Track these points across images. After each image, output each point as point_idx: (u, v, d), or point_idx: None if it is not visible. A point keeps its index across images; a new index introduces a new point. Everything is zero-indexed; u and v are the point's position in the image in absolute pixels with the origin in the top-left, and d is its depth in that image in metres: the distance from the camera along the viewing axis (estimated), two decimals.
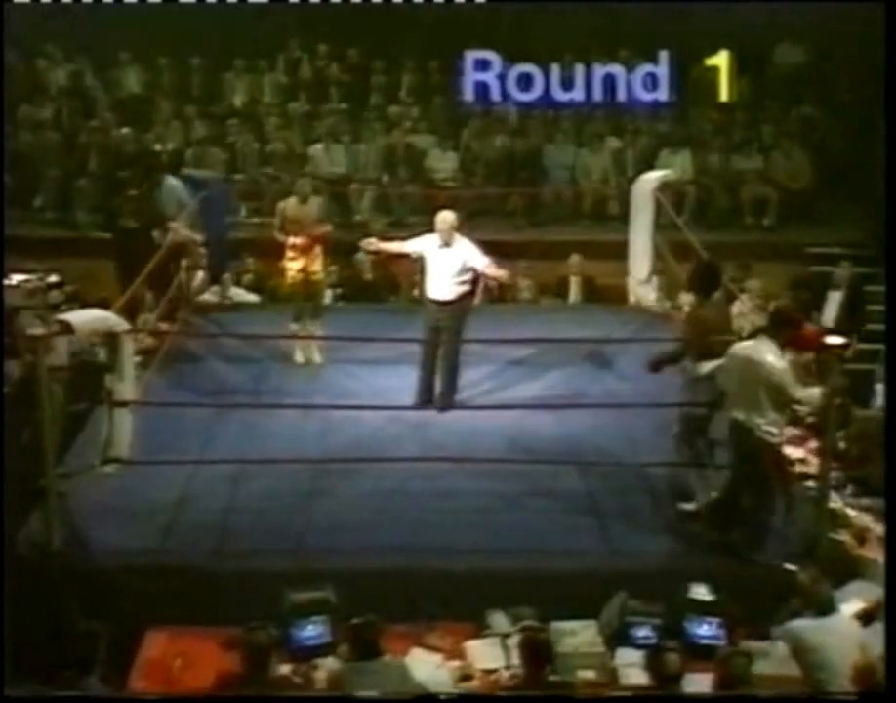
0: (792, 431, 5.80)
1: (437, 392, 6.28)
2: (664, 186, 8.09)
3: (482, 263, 6.32)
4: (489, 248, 8.95)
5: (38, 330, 5.04)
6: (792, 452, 5.65)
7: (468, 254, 6.28)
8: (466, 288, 6.33)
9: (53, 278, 7.21)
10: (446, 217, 6.30)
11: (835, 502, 5.19)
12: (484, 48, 10.37)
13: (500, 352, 6.93)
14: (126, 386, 5.30)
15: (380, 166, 10.04)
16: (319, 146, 10.02)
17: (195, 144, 10.06)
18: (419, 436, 5.94)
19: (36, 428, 4.84)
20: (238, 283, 8.84)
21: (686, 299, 8.20)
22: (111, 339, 5.29)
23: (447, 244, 6.25)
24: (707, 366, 5.22)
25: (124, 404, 5.28)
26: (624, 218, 8.62)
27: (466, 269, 6.27)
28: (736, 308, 7.83)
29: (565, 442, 5.95)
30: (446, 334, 6.27)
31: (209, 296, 8.38)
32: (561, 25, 10.38)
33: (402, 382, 6.39)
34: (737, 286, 7.68)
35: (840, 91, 10.39)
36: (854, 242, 8.97)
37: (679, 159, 9.79)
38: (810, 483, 5.39)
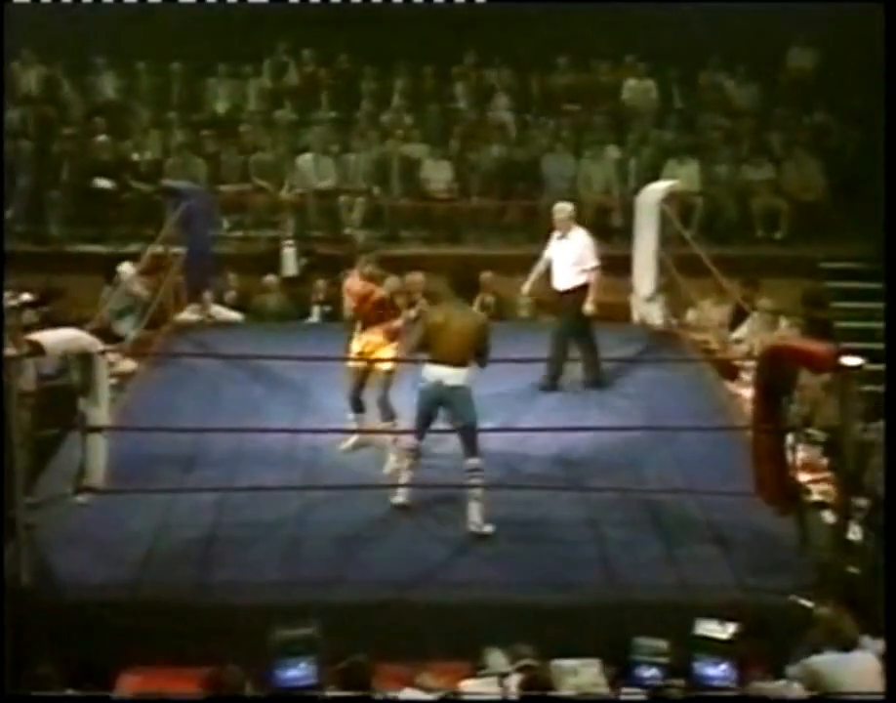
0: (807, 454, 5.82)
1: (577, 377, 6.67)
2: (670, 198, 8.09)
3: (591, 263, 6.92)
4: (485, 262, 9.14)
5: (9, 351, 5.01)
6: (806, 477, 5.65)
7: (583, 247, 6.92)
8: (583, 279, 6.91)
9: (26, 296, 7.20)
10: (565, 207, 7.07)
11: (854, 533, 5.18)
12: (480, 52, 10.54)
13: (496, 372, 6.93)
14: (100, 410, 5.28)
15: (371, 177, 10.07)
16: (307, 157, 10.03)
17: (175, 154, 10.07)
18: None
19: (4, 455, 4.81)
20: (220, 301, 8.84)
21: (693, 316, 8.28)
22: (85, 360, 5.27)
23: (564, 235, 6.94)
24: None
25: (98, 429, 5.26)
26: (627, 231, 8.64)
27: (581, 261, 6.89)
28: (747, 325, 7.88)
29: (565, 466, 5.95)
30: (568, 317, 6.89)
31: (188, 314, 8.38)
32: (563, 27, 10.47)
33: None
34: (749, 304, 7.70)
35: (855, 97, 10.44)
36: (871, 256, 8.99)
37: (686, 169, 9.82)
38: (826, 512, 5.39)
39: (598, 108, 10.63)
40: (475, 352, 5.35)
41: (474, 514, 5.31)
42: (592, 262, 6.95)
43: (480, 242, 9.85)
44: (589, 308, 6.96)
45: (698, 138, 10.37)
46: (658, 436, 6.13)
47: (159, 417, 6.38)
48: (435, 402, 5.35)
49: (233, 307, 8.90)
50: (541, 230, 9.80)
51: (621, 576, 5.08)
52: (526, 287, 7.27)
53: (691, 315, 8.36)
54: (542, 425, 6.28)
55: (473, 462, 5.32)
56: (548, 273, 7.14)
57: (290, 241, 9.51)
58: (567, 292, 6.95)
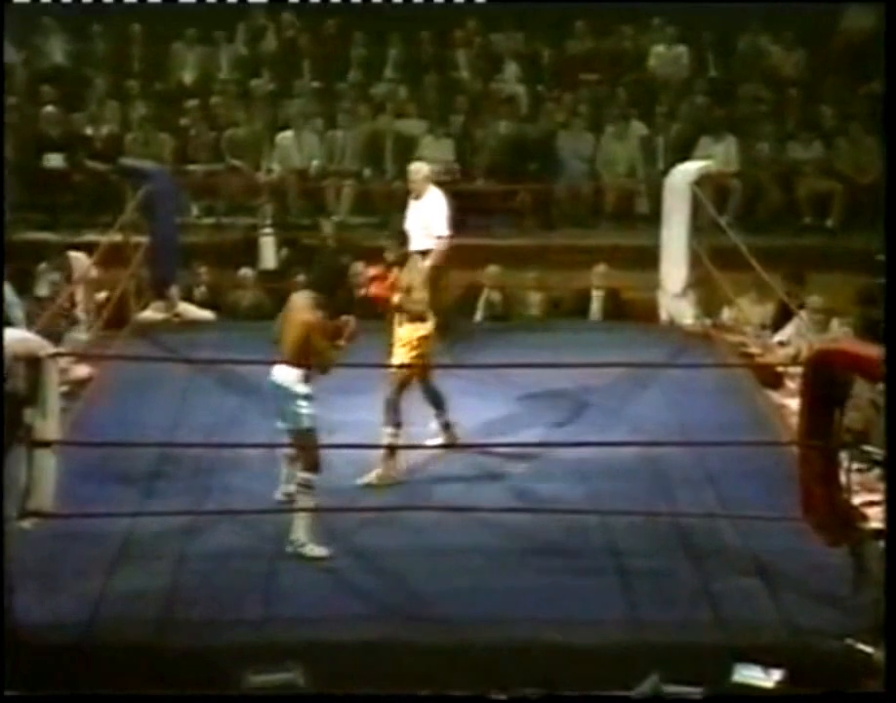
0: (862, 474, 5.80)
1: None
2: (703, 180, 8.13)
3: (438, 230, 7.17)
4: (492, 254, 9.15)
5: None
6: (862, 501, 5.62)
7: (434, 211, 7.20)
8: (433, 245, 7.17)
9: None
10: (421, 168, 7.41)
11: None
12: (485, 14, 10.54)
13: (502, 381, 6.93)
14: (49, 422, 5.26)
15: (361, 157, 10.08)
16: (288, 133, 10.06)
17: (136, 128, 10.09)
18: (404, 481, 5.96)
19: None
20: (188, 298, 8.84)
21: (730, 315, 8.27)
22: (32, 365, 5.26)
23: (419, 197, 7.23)
24: None
25: (46, 444, 5.24)
26: (654, 218, 8.66)
27: (429, 226, 7.16)
28: (792, 326, 7.87)
29: (582, 489, 5.94)
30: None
31: (152, 312, 8.37)
32: None
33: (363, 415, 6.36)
34: (795, 302, 7.69)
35: None
36: None
37: (722, 147, 9.84)
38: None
39: (621, 78, 10.66)
40: (303, 354, 5.29)
41: (298, 530, 5.28)
42: (440, 229, 7.20)
43: (485, 231, 9.86)
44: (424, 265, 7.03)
45: (736, 111, 10.38)
46: (689, 453, 6.13)
47: (118, 430, 6.37)
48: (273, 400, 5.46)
49: (203, 304, 8.91)
50: (555, 218, 9.91)
51: (647, 613, 5.05)
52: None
53: (727, 315, 8.37)
54: (554, 438, 6.26)
55: (303, 476, 5.33)
56: None
57: (268, 230, 9.52)
58: (422, 253, 7.10)
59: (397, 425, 5.97)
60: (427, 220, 7.20)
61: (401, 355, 6.04)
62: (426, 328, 6.02)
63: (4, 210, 8.25)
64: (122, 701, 4.52)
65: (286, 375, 5.33)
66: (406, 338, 6.02)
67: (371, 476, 5.92)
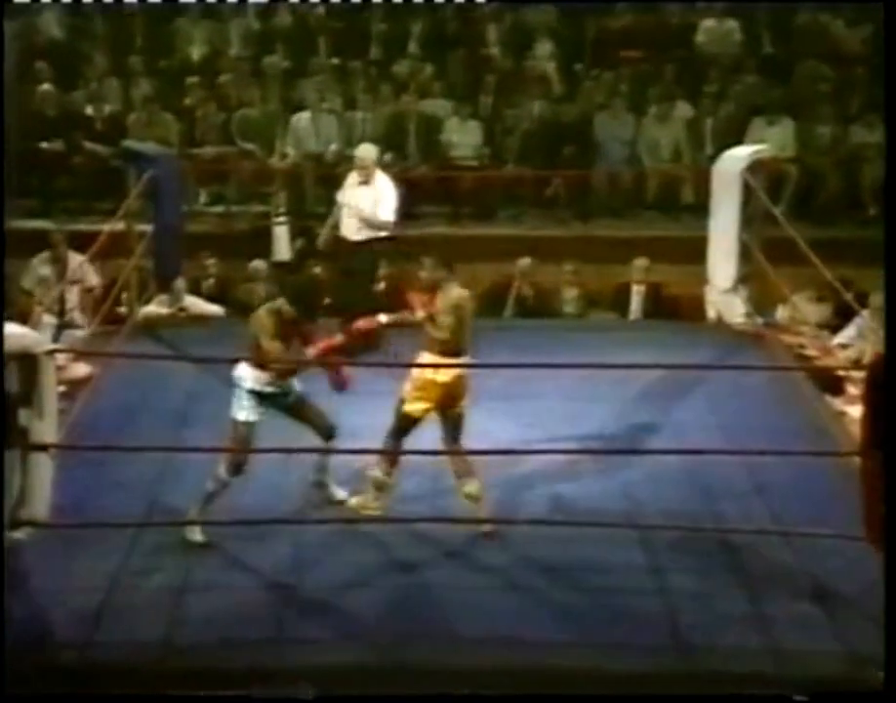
0: None
1: None
2: (756, 166, 8.06)
3: (385, 217, 7.52)
4: (523, 246, 9.12)
5: None
6: None
7: (384, 197, 7.54)
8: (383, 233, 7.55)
9: None
10: (371, 151, 7.76)
11: None
12: None
13: (531, 384, 6.90)
14: (46, 424, 5.27)
15: (382, 140, 10.06)
16: (303, 115, 10.07)
17: (139, 109, 10.13)
18: (425, 490, 5.93)
19: None
20: (195, 291, 8.86)
21: (784, 314, 8.21)
22: (27, 363, 5.26)
23: (366, 182, 7.55)
24: None
25: (43, 448, 5.25)
26: (702, 208, 8.64)
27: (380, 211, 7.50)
28: (854, 327, 7.81)
29: (621, 500, 5.92)
30: (361, 278, 7.44)
31: (156, 307, 8.40)
32: None
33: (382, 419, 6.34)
34: (856, 300, 7.61)
35: None
36: None
37: (777, 130, 9.83)
38: None
39: (666, 56, 10.61)
40: (253, 351, 5.58)
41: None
42: (386, 214, 7.53)
43: (516, 221, 9.84)
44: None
45: (793, 91, 10.34)
46: (737, 462, 6.08)
47: (119, 433, 6.38)
48: None
49: (212, 298, 8.95)
50: (592, 207, 9.88)
51: (692, 638, 5.01)
52: (322, 239, 7.93)
53: (782, 313, 8.33)
54: (589, 446, 6.24)
55: (220, 472, 5.53)
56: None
57: (282, 218, 9.54)
58: (363, 243, 7.58)
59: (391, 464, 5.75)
60: (378, 205, 7.54)
61: (405, 393, 5.71)
62: (447, 374, 5.58)
63: (4, 203, 8.29)
64: (123, 701, 4.58)
65: (240, 369, 5.59)
66: (416, 376, 5.68)
67: (353, 501, 5.80)
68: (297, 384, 5.69)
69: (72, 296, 8.31)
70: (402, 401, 5.66)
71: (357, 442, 5.78)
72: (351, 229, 7.59)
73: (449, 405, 5.64)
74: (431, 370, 5.58)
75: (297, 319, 5.54)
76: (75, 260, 8.12)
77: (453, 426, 5.69)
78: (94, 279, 8.35)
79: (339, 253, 7.72)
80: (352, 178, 7.73)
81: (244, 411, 5.56)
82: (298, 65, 10.73)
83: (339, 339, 5.68)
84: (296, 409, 5.70)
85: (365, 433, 5.87)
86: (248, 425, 5.57)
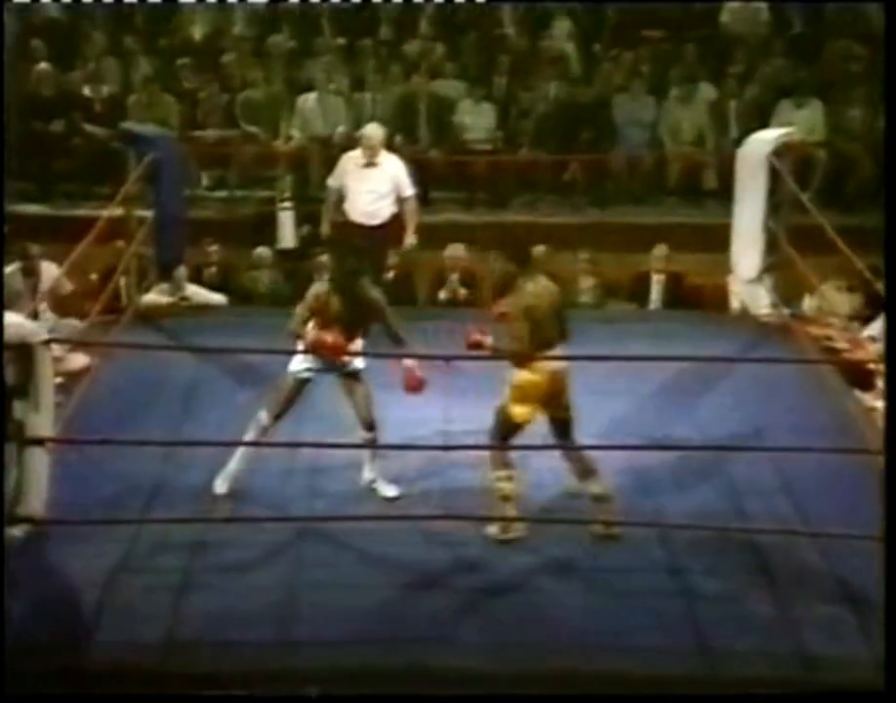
0: None
1: None
2: (783, 150, 8.05)
3: (409, 190, 7.77)
4: (538, 234, 9.11)
5: None
6: None
7: (399, 174, 7.74)
8: (393, 211, 7.78)
9: None
10: (378, 131, 7.88)
11: None
12: None
13: None
14: (42, 417, 5.30)
15: (392, 123, 10.06)
16: (310, 96, 10.08)
17: (139, 90, 10.14)
18: (436, 486, 5.96)
19: None
20: (197, 279, 8.88)
21: (812, 304, 8.20)
22: (23, 353, 5.29)
23: (372, 162, 7.71)
24: None
25: (39, 442, 5.28)
26: (726, 194, 8.63)
27: (397, 189, 7.75)
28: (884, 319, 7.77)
29: (640, 498, 5.93)
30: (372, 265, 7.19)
31: (157, 295, 8.42)
32: None
33: (429, 412, 6.43)
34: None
35: None
36: None
37: (806, 113, 9.80)
38: None
39: (689, 35, 10.58)
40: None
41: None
42: (410, 189, 7.78)
43: (531, 207, 9.84)
44: (411, 240, 7.80)
45: (823, 72, 10.30)
46: (763, 459, 6.10)
47: (118, 427, 6.39)
48: None
49: (214, 287, 8.94)
50: (611, 193, 9.88)
51: (716, 643, 5.01)
52: (326, 227, 8.06)
53: (809, 304, 8.30)
54: (608, 442, 6.23)
55: (261, 415, 5.84)
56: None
57: (287, 204, 9.54)
58: (377, 227, 7.73)
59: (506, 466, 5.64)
60: (394, 183, 7.74)
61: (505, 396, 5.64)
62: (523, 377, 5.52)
63: (4, 201, 8.29)
64: (123, 701, 4.61)
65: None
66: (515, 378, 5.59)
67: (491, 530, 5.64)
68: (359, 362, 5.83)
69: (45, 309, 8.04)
70: (503, 405, 5.59)
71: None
72: (363, 214, 7.57)
73: (553, 406, 5.56)
74: (528, 371, 5.49)
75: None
76: (50, 271, 7.96)
77: (561, 429, 5.61)
78: (67, 287, 8.07)
79: (347, 239, 7.71)
80: (352, 160, 7.78)
81: (298, 365, 5.78)
82: (304, 45, 10.73)
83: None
84: (348, 384, 5.85)
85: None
86: (298, 380, 5.79)
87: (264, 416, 5.80)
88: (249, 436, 5.80)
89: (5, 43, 9.77)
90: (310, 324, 5.66)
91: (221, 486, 5.86)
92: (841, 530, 5.40)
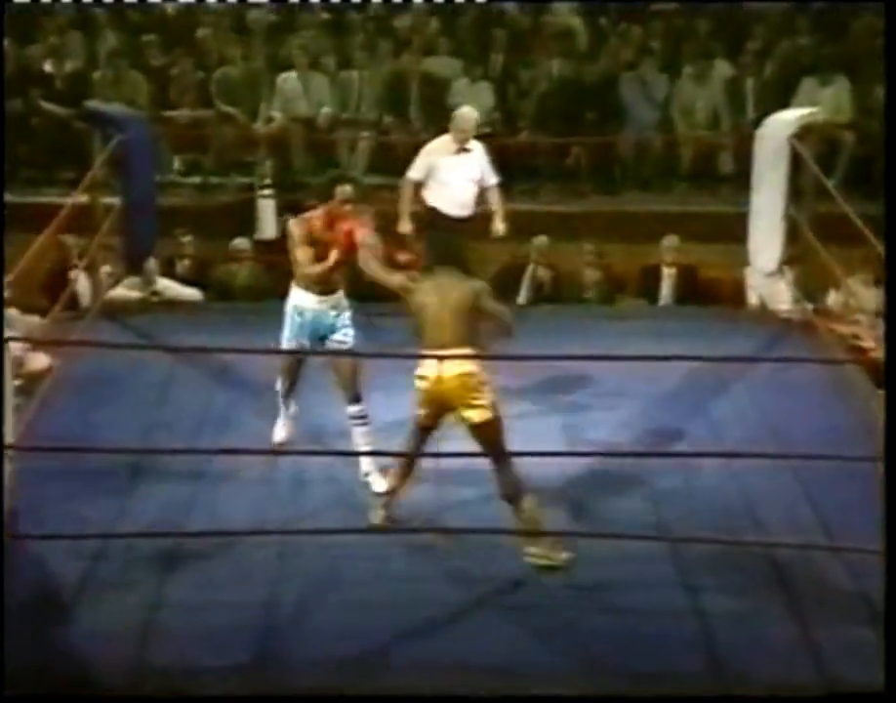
0: None
1: None
2: (805, 132, 8.08)
3: (494, 178, 7.62)
4: (540, 222, 9.13)
5: None
6: None
7: (484, 161, 7.60)
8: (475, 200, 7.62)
9: None
10: (473, 112, 7.68)
11: None
12: None
13: (548, 376, 6.96)
14: (1, 422, 5.31)
15: (381, 103, 10.10)
16: (292, 74, 10.09)
17: (105, 65, 10.15)
18: (431, 496, 5.96)
19: None
20: (170, 273, 8.89)
21: (837, 299, 8.22)
22: None
23: (464, 148, 7.52)
24: None
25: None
26: (743, 179, 8.63)
27: (483, 178, 7.59)
28: None
29: (650, 508, 5.95)
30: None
31: (125, 290, 8.43)
32: None
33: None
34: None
35: None
36: None
37: (830, 92, 9.83)
38: None
39: (703, 8, 10.61)
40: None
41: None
42: (495, 177, 7.66)
43: (532, 194, 9.85)
44: (500, 227, 7.63)
45: (848, 48, 10.32)
46: (783, 465, 6.11)
47: (83, 432, 6.43)
48: None
49: (188, 281, 8.97)
50: (618, 179, 9.90)
51: (732, 664, 5.03)
52: (406, 225, 7.64)
53: (834, 299, 8.34)
54: (615, 447, 6.25)
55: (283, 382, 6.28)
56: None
57: (268, 191, 9.56)
58: (464, 220, 7.54)
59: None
60: (481, 170, 7.57)
61: None
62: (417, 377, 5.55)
63: (4, 195, 8.29)
64: (123, 701, 4.68)
65: (291, 295, 6.06)
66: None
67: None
68: (347, 319, 6.02)
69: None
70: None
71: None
72: (459, 204, 7.49)
73: (450, 411, 5.51)
74: (420, 370, 5.51)
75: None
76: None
77: (479, 440, 5.50)
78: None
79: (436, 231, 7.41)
80: (443, 147, 7.55)
81: (287, 334, 6.02)
82: (286, 19, 10.75)
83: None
84: (336, 346, 6.01)
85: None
86: (291, 342, 6.04)
87: (280, 386, 6.23)
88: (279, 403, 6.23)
89: (5, 43, 9.78)
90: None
91: (279, 434, 6.26)
92: (866, 543, 5.42)
